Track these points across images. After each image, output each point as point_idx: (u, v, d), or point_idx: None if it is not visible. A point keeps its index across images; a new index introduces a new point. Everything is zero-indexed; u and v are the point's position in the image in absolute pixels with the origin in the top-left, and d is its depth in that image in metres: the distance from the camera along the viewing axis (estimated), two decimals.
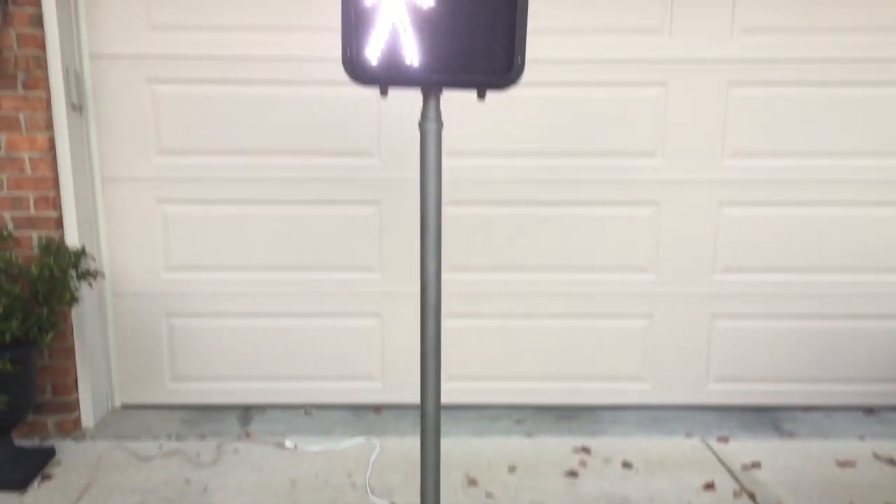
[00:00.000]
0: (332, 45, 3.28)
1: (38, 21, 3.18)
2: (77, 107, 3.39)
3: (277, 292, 3.71)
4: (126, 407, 3.83)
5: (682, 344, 3.79)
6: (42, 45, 3.21)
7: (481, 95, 2.06)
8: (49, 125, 3.27)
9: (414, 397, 3.68)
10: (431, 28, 1.97)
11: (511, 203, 3.64)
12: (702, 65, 3.50)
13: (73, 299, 3.15)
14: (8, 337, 2.91)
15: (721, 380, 3.84)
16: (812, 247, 3.67)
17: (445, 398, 3.62)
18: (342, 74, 1.94)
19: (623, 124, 3.56)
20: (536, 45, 2.51)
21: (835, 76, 3.49)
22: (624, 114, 3.55)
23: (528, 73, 2.02)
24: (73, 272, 3.14)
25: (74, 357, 3.50)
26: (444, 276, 3.24)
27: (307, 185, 3.60)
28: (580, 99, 3.54)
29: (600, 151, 3.58)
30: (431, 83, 2.03)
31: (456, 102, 2.16)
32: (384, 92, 2.07)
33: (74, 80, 3.34)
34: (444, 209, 3.31)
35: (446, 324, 3.61)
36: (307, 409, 3.82)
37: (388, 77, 2.00)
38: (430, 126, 2.12)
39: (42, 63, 3.22)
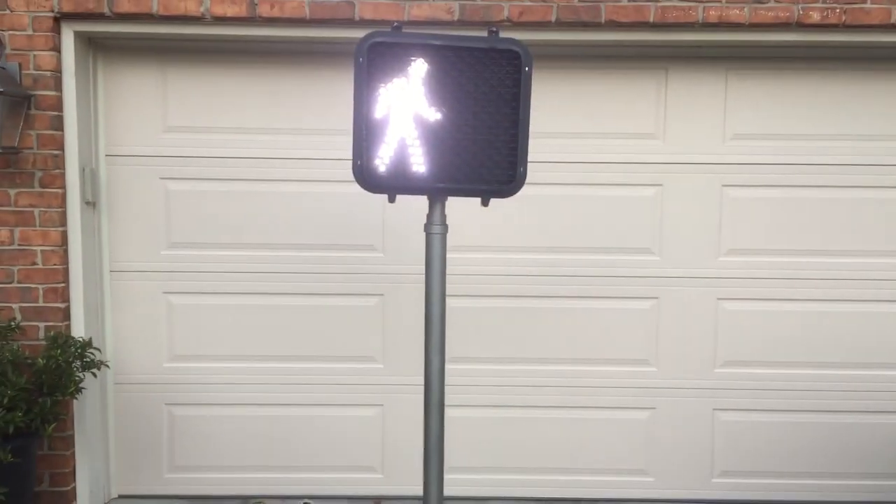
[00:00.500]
0: (337, 146, 3.49)
1: (58, 124, 3.33)
2: (91, 203, 3.50)
3: (278, 382, 3.73)
4: (123, 497, 3.78)
5: (684, 438, 3.78)
6: (61, 146, 3.35)
7: (485, 203, 2.16)
8: (63, 221, 3.37)
9: (415, 489, 3.63)
10: (437, 139, 2.08)
11: (511, 296, 3.71)
12: (696, 168, 3.63)
13: (78, 390, 3.17)
14: (11, 429, 2.91)
15: (725, 474, 3.81)
16: (811, 342, 3.71)
17: (445, 490, 3.56)
18: (347, 173, 2.03)
19: (621, 222, 3.66)
20: (537, 147, 2.63)
21: (824, 180, 3.62)
22: (622, 213, 3.66)
23: (529, 173, 2.12)
24: (77, 363, 3.17)
25: (74, 447, 3.49)
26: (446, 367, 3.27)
27: (311, 278, 3.68)
28: (579, 198, 3.65)
29: (599, 248, 3.67)
30: (437, 191, 2.13)
31: (458, 200, 2.25)
32: (392, 199, 2.17)
33: (90, 178, 3.46)
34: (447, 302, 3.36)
35: (446, 414, 3.59)
36: (307, 500, 3.77)
37: (396, 185, 2.10)
38: (435, 230, 2.21)
39: (60, 162, 3.35)
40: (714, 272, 3.69)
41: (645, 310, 3.72)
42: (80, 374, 3.22)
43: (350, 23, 3.29)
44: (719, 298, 3.71)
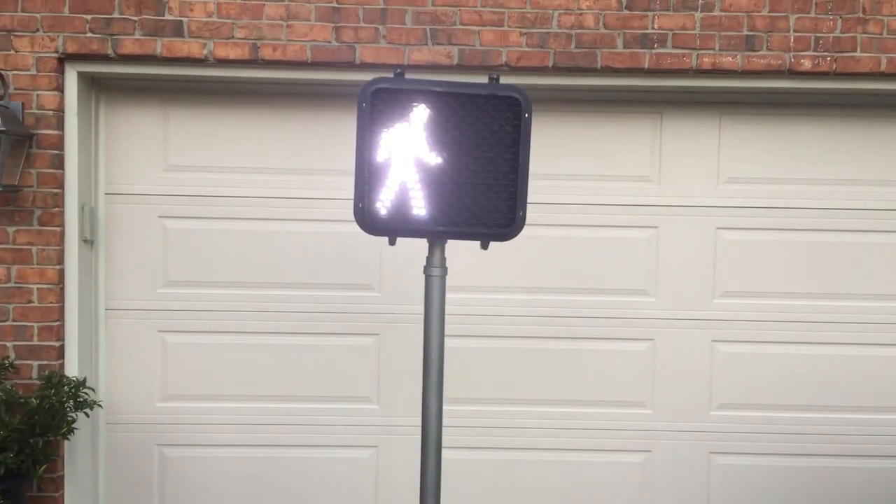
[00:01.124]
0: (335, 186, 3.53)
1: (59, 162, 3.35)
2: (88, 241, 3.50)
3: (272, 422, 3.69)
4: None
5: (681, 481, 3.75)
6: (61, 185, 3.37)
7: (485, 246, 2.18)
8: (60, 259, 3.37)
9: None
10: (438, 183, 2.11)
11: (508, 337, 3.71)
12: (691, 210, 3.67)
13: (70, 431, 3.14)
14: (2, 470, 2.87)
15: None
16: (806, 385, 3.72)
17: None
18: (345, 213, 2.05)
19: (617, 264, 3.69)
20: (534, 188, 2.67)
21: (817, 223, 3.66)
22: (618, 254, 3.69)
23: (531, 215, 2.14)
24: (70, 403, 3.14)
25: (63, 489, 3.43)
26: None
27: (307, 317, 3.67)
28: (576, 239, 3.68)
29: (596, 289, 3.69)
30: (437, 234, 2.15)
31: (457, 242, 2.28)
32: (392, 242, 2.19)
33: (89, 216, 3.47)
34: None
35: (442, 456, 3.56)
36: None
37: (397, 228, 2.13)
38: (435, 273, 2.23)
39: (59, 200, 3.36)
40: (709, 314, 3.71)
41: (640, 351, 3.72)
42: (73, 415, 3.19)
43: (351, 66, 3.35)
44: (714, 341, 3.71)
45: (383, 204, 2.11)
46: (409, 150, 2.09)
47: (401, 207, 2.12)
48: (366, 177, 2.09)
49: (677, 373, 3.72)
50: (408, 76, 2.11)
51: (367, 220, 2.10)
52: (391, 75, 2.09)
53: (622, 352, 3.72)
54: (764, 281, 3.69)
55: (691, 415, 3.73)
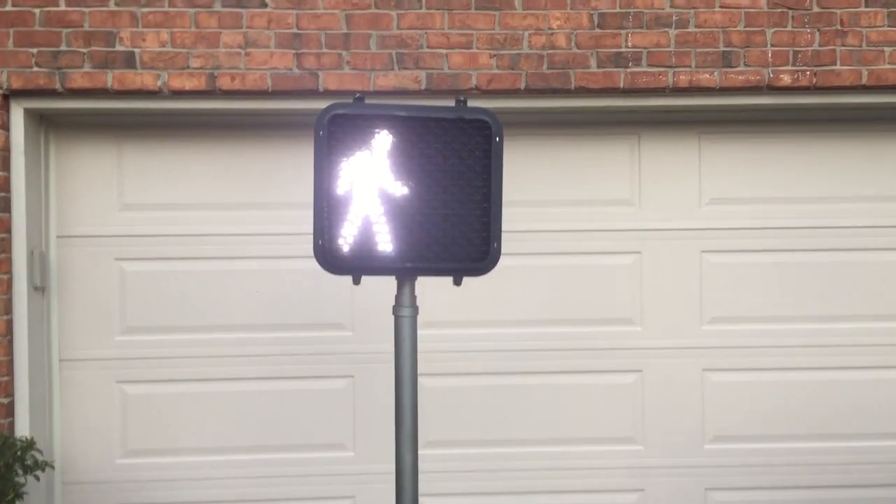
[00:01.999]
0: (301, 221, 3.31)
1: (5, 205, 3.16)
2: (39, 288, 3.29)
3: (242, 476, 3.47)
4: None
5: None
6: (8, 229, 3.17)
7: (457, 282, 2.01)
8: (8, 308, 3.16)
9: None
10: (405, 215, 1.94)
11: (487, 373, 3.53)
12: (674, 234, 3.54)
13: (18, 496, 2.89)
14: None
15: None
16: (802, 413, 3.56)
17: None
18: (312, 248, 1.89)
19: (600, 292, 3.54)
20: (509, 216, 2.52)
21: (804, 243, 3.54)
22: (600, 282, 3.54)
23: (507, 244, 1.99)
24: (18, 467, 2.90)
25: None
26: (421, 452, 3.05)
27: (275, 361, 3.48)
28: (554, 267, 3.53)
29: (578, 320, 3.54)
30: (406, 271, 1.98)
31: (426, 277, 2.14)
32: (356, 281, 2.01)
33: (39, 261, 3.27)
34: (420, 381, 3.17)
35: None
36: None
37: (361, 266, 1.95)
38: (404, 313, 2.05)
39: (6, 246, 3.16)
40: (698, 341, 3.56)
41: (628, 384, 3.56)
42: (22, 479, 2.95)
43: (314, 94, 3.20)
44: (705, 369, 3.56)
45: (346, 240, 1.94)
46: (372, 180, 1.93)
47: (365, 243, 1.94)
48: (325, 211, 1.92)
49: (668, 405, 3.55)
50: (374, 102, 1.96)
51: (328, 258, 1.92)
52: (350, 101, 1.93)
53: (609, 385, 3.56)
54: (753, 305, 3.55)
55: (685, 449, 3.56)
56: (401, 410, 2.07)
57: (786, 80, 3.26)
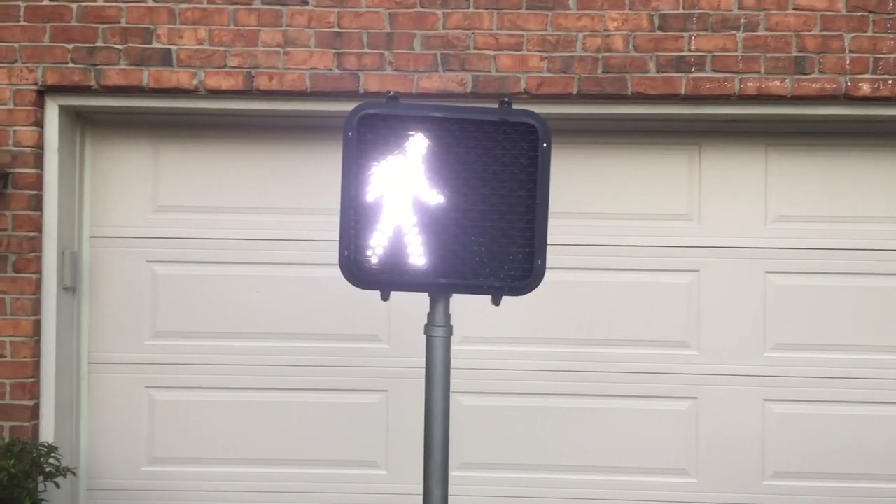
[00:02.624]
0: (336, 226, 3.18)
1: (37, 203, 3.10)
2: (70, 288, 3.22)
3: (269, 489, 3.36)
4: None
5: None
6: (39, 228, 3.11)
7: (496, 302, 1.82)
8: (36, 309, 3.09)
9: None
10: (440, 226, 1.77)
11: (528, 394, 3.36)
12: (735, 252, 3.31)
13: (34, 503, 2.80)
14: None
15: None
16: (876, 451, 3.28)
17: None
18: None
19: (653, 312, 3.33)
20: (557, 229, 2.35)
21: (879, 267, 3.28)
22: (654, 301, 3.33)
23: (554, 258, 1.80)
24: (38, 473, 2.81)
25: None
26: (455, 475, 2.90)
27: (308, 372, 3.36)
28: (605, 284, 3.34)
29: (628, 341, 3.33)
30: (440, 288, 1.81)
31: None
32: (385, 297, 1.84)
33: (70, 261, 3.20)
34: (457, 399, 3.01)
35: None
36: None
37: (390, 280, 1.79)
38: (437, 333, 1.88)
39: (37, 245, 3.10)
40: (759, 369, 3.31)
41: (682, 411, 3.33)
42: (43, 485, 2.86)
43: (354, 95, 3.06)
44: (766, 399, 3.31)
45: (374, 252, 1.78)
46: (406, 187, 1.77)
47: (395, 256, 1.78)
48: (352, 219, 1.76)
49: (725, 436, 3.31)
50: (409, 102, 1.79)
51: (353, 270, 1.77)
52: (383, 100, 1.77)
53: (660, 411, 3.34)
54: (823, 331, 3.29)
55: (742, 485, 3.31)
56: (430, 441, 1.89)
57: (865, 89, 3.00)
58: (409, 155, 1.76)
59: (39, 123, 3.09)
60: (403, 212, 1.78)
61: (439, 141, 1.75)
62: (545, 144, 1.76)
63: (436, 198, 1.77)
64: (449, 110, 1.76)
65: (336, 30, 3.06)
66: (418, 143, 1.75)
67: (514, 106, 1.82)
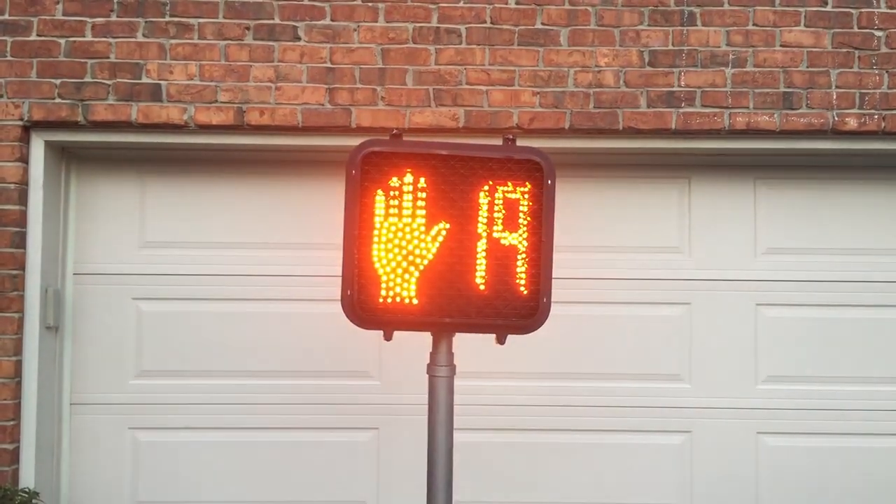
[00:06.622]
0: (326, 262, 3.16)
1: (20, 241, 3.03)
2: (52, 327, 3.13)
3: None
4: None
5: None
6: (22, 266, 3.04)
7: (500, 341, 1.79)
8: (18, 349, 3.01)
9: None
10: (444, 264, 1.75)
11: (523, 430, 3.31)
12: (726, 285, 3.32)
13: None
14: None
15: None
16: (875, 484, 3.27)
17: None
18: (338, 291, 1.69)
19: (645, 345, 3.32)
20: (555, 263, 2.35)
21: (870, 298, 3.30)
22: (646, 334, 3.32)
23: None
24: None
25: None
26: None
27: (298, 410, 3.29)
28: (598, 318, 3.32)
29: (621, 374, 3.32)
30: (443, 327, 1.77)
31: None
32: (388, 337, 1.80)
33: (53, 299, 3.12)
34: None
35: None
36: None
37: (393, 320, 1.76)
38: (441, 373, 1.84)
39: (19, 284, 3.03)
40: (752, 402, 3.30)
41: (675, 445, 3.30)
42: None
43: (346, 130, 3.05)
44: (760, 433, 3.30)
45: (377, 289, 1.74)
46: (408, 225, 1.73)
47: (399, 294, 1.74)
48: (356, 258, 1.72)
49: (719, 471, 3.29)
50: (411, 139, 1.78)
51: (356, 310, 1.73)
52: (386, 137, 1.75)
53: (654, 445, 3.31)
54: (814, 363, 3.30)
55: None
56: (433, 483, 1.85)
57: (852, 123, 3.04)
58: (412, 192, 1.74)
59: (24, 159, 3.03)
60: (406, 250, 1.75)
61: (443, 178, 1.73)
62: (549, 181, 1.76)
63: (439, 235, 1.75)
64: (452, 147, 1.75)
65: (328, 65, 3.05)
66: (421, 181, 1.73)
67: (512, 138, 1.81)
